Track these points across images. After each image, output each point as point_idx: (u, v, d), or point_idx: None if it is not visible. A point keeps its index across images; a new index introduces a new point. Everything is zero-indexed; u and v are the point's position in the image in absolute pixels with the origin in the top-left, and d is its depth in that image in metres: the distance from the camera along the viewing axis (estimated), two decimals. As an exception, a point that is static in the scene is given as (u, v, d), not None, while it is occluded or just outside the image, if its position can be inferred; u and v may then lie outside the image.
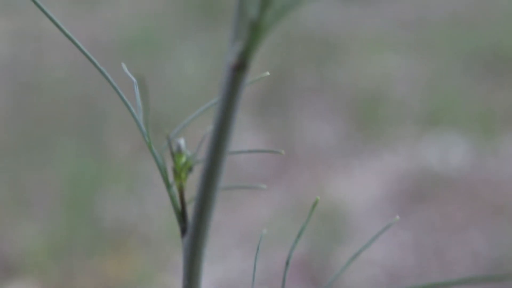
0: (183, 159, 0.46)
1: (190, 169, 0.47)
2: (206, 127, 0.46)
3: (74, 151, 2.00)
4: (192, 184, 0.43)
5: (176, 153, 0.46)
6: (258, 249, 0.50)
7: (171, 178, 0.47)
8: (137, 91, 0.50)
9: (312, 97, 2.28)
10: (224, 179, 0.40)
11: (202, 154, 0.42)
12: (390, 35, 2.62)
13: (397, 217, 0.52)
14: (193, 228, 0.43)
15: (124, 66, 0.48)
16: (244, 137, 2.08)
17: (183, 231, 0.45)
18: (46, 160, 1.97)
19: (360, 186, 1.93)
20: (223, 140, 0.39)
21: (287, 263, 0.50)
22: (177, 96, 2.22)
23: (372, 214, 1.85)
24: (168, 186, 0.47)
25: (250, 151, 0.48)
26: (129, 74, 0.50)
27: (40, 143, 2.03)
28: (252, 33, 0.37)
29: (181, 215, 0.46)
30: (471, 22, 2.71)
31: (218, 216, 1.78)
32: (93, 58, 0.50)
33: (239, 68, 0.37)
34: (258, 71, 2.40)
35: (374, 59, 2.46)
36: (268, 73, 0.49)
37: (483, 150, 2.04)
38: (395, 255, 1.76)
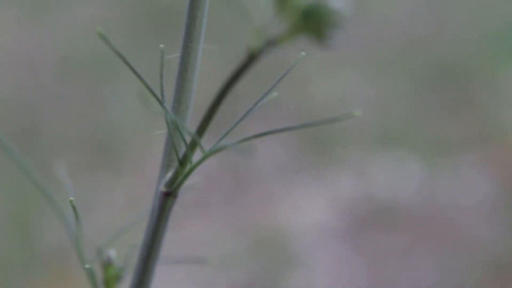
0: (113, 271, 0.46)
1: (119, 280, 0.47)
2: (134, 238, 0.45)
3: (10, 169, 1.96)
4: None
5: (106, 265, 0.46)
6: None
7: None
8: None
9: (263, 117, 2.26)
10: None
11: (131, 265, 0.41)
12: (344, 54, 2.62)
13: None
14: None
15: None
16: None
17: None
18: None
19: (308, 210, 1.93)
20: (151, 257, 0.40)
21: None
22: (120, 124, 2.18)
23: (319, 239, 1.85)
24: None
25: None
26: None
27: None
28: (181, 168, 0.38)
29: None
30: (426, 41, 2.72)
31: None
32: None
33: (168, 195, 0.39)
34: (208, 88, 2.38)
35: (328, 78, 2.45)
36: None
37: (437, 174, 2.05)
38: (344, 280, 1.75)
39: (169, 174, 0.43)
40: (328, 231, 1.88)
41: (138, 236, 0.49)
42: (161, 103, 0.39)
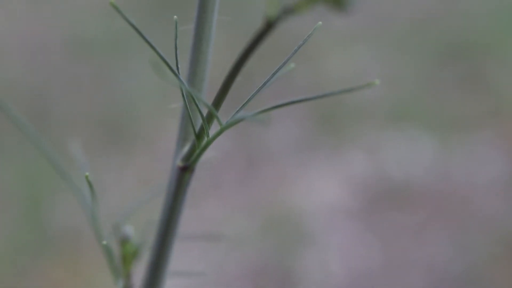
0: (131, 247, 0.45)
1: (136, 256, 0.46)
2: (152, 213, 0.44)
3: (21, 151, 1.96)
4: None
5: (123, 241, 0.45)
6: None
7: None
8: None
9: (277, 93, 2.25)
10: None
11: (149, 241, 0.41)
12: (356, 29, 2.60)
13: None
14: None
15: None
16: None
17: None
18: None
19: (321, 189, 1.92)
20: (168, 233, 0.39)
21: None
22: (132, 105, 2.17)
23: (332, 217, 1.84)
24: (115, 274, 0.45)
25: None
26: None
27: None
28: (198, 142, 0.37)
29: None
30: (438, 15, 2.69)
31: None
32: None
33: (185, 170, 0.38)
34: (222, 61, 2.37)
35: (341, 53, 2.44)
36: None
37: (450, 151, 2.03)
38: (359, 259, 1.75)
39: (186, 148, 0.41)
40: (341, 209, 1.87)
41: (153, 213, 0.49)
42: (176, 74, 0.38)
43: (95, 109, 2.07)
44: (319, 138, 2.07)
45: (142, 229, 0.44)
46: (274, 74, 0.40)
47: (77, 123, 2.02)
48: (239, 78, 0.43)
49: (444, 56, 2.43)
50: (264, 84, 0.41)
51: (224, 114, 0.44)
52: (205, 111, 0.40)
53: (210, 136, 0.40)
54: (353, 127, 2.10)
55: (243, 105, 0.41)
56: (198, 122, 0.41)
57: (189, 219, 1.80)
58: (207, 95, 0.46)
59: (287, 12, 0.36)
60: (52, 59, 2.35)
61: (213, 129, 0.44)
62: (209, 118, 0.40)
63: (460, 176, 1.97)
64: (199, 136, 0.40)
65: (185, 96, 0.41)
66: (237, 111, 0.42)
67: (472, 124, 2.12)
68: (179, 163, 0.39)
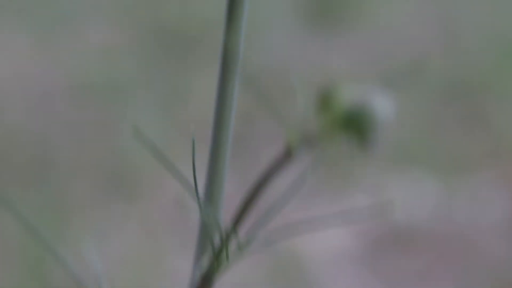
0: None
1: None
2: None
3: (26, 201, 1.94)
4: None
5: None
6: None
7: None
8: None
9: (270, 140, 2.25)
10: None
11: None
12: (356, 69, 2.60)
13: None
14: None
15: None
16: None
17: None
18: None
19: (324, 232, 1.91)
20: None
21: None
22: (134, 152, 2.16)
23: (335, 261, 1.83)
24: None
25: None
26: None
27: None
28: (216, 263, 0.37)
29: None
30: (436, 53, 2.70)
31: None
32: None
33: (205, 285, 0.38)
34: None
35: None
36: None
37: (453, 193, 2.03)
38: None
39: (204, 261, 0.41)
40: (345, 253, 1.86)
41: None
42: (198, 200, 0.38)
43: (97, 156, 2.07)
44: (322, 181, 2.07)
45: None
46: (291, 191, 0.39)
47: (78, 170, 2.02)
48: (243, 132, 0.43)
49: (444, 95, 2.43)
50: (282, 202, 0.40)
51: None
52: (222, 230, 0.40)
53: (229, 259, 0.40)
54: (355, 169, 2.10)
55: (259, 224, 0.41)
56: (216, 238, 0.41)
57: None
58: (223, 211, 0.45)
59: (308, 142, 0.36)
60: (54, 105, 2.35)
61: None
62: (227, 239, 0.40)
63: (463, 218, 1.97)
64: (217, 255, 0.40)
65: (203, 215, 0.41)
66: (254, 231, 0.42)
67: (475, 165, 2.12)
68: (198, 278, 0.39)
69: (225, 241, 0.39)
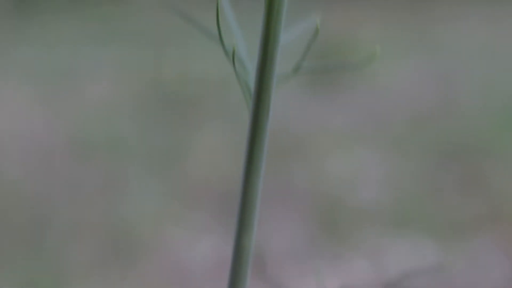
0: None
1: None
2: None
3: (24, 263, 1.94)
4: None
5: None
6: None
7: None
8: None
9: (273, 199, 2.25)
10: None
11: None
12: (355, 129, 2.61)
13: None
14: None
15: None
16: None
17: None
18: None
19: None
20: None
21: None
22: (132, 212, 2.16)
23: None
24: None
25: None
26: None
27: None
28: None
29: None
30: (434, 113, 2.71)
31: None
32: None
33: None
34: (213, 175, 2.37)
35: (340, 156, 2.44)
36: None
37: (452, 257, 2.02)
38: None
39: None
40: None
41: None
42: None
43: (95, 218, 2.06)
44: (320, 244, 2.06)
45: None
46: None
47: (77, 232, 2.01)
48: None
49: (443, 156, 2.44)
50: None
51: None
52: None
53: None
54: (354, 233, 2.09)
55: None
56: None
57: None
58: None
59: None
60: (54, 162, 2.35)
61: None
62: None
63: (463, 283, 1.96)
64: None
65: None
66: None
67: (474, 228, 2.11)
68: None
69: None
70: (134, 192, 2.19)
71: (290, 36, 0.43)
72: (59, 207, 2.12)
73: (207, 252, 1.96)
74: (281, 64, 0.41)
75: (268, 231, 2.09)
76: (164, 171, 2.31)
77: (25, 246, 1.97)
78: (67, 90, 2.80)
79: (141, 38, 3.61)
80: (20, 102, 2.74)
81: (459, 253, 2.01)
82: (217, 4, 0.38)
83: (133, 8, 4.05)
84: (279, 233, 2.09)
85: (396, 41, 3.91)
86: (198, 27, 0.43)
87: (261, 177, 0.44)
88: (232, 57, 0.38)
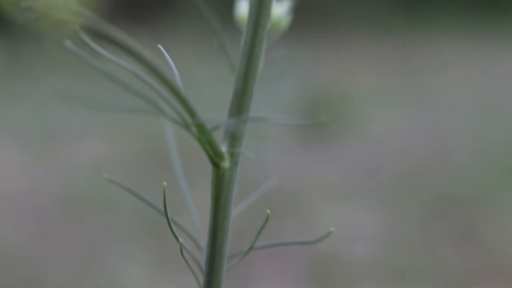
0: None
1: None
2: None
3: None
4: None
5: None
6: None
7: None
8: None
9: (265, 254, 2.24)
10: None
11: None
12: (347, 183, 2.61)
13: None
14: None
15: None
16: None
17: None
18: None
19: None
20: None
21: None
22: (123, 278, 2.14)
23: None
24: None
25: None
26: None
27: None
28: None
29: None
30: (425, 165, 2.71)
31: None
32: None
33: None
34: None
35: (332, 210, 2.43)
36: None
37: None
38: None
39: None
40: None
41: None
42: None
43: (86, 279, 2.05)
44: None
45: None
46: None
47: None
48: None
49: (436, 208, 2.43)
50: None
51: None
52: None
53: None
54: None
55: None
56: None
57: None
58: None
59: None
60: (46, 220, 2.34)
61: None
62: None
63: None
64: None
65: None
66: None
67: (467, 281, 2.10)
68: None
69: None
70: (124, 252, 2.18)
71: (238, 212, 0.44)
72: (51, 268, 2.11)
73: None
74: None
75: (259, 285, 2.08)
76: (154, 230, 2.30)
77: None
78: (58, 148, 2.80)
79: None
80: (11, 162, 2.73)
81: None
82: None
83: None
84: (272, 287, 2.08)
85: (388, 90, 3.93)
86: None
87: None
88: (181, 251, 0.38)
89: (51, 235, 2.28)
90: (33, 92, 3.77)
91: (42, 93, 3.64)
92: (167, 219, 0.38)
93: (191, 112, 0.32)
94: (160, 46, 0.36)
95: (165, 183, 0.41)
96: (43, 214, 2.38)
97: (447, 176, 2.61)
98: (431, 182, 2.57)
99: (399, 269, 2.15)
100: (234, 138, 0.36)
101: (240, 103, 0.34)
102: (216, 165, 0.36)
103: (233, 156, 0.37)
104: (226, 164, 0.36)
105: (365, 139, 3.04)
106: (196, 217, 0.42)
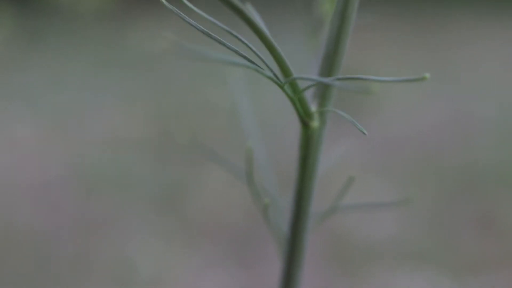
0: None
1: None
2: None
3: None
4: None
5: None
6: None
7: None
8: None
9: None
10: None
11: None
12: (371, 160, 2.60)
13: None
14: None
15: None
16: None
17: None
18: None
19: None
20: None
21: None
22: (135, 255, 2.14)
23: None
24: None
25: None
26: None
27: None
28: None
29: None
30: (447, 149, 2.70)
31: None
32: None
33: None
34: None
35: (354, 186, 2.42)
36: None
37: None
38: None
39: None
40: None
41: None
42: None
43: (98, 259, 2.04)
44: (331, 281, 2.05)
45: None
46: None
47: (79, 273, 1.99)
48: None
49: (456, 189, 2.42)
50: None
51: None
52: None
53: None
54: (366, 268, 2.07)
55: None
56: None
57: None
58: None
59: None
60: (57, 198, 2.34)
61: None
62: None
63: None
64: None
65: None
66: None
67: (488, 264, 2.09)
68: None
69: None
70: (139, 229, 2.19)
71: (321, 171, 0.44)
72: (63, 245, 2.11)
73: None
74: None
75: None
76: (168, 205, 2.30)
77: (28, 283, 1.95)
78: (72, 124, 2.79)
79: (145, 69, 3.61)
80: (24, 137, 2.73)
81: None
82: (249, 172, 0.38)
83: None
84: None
85: (411, 66, 3.91)
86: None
87: None
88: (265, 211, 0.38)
89: (62, 213, 2.28)
90: (50, 64, 3.77)
91: (59, 66, 3.64)
92: (251, 179, 0.38)
93: (286, 71, 0.32)
94: (249, 6, 0.36)
95: (249, 144, 0.41)
96: (54, 191, 2.38)
97: (469, 158, 2.60)
98: (453, 164, 2.56)
99: (418, 249, 2.15)
100: (324, 98, 0.36)
101: (331, 64, 0.34)
102: (305, 124, 0.36)
103: (322, 116, 0.36)
104: (315, 123, 0.36)
105: (387, 118, 3.02)
106: (274, 179, 0.42)
